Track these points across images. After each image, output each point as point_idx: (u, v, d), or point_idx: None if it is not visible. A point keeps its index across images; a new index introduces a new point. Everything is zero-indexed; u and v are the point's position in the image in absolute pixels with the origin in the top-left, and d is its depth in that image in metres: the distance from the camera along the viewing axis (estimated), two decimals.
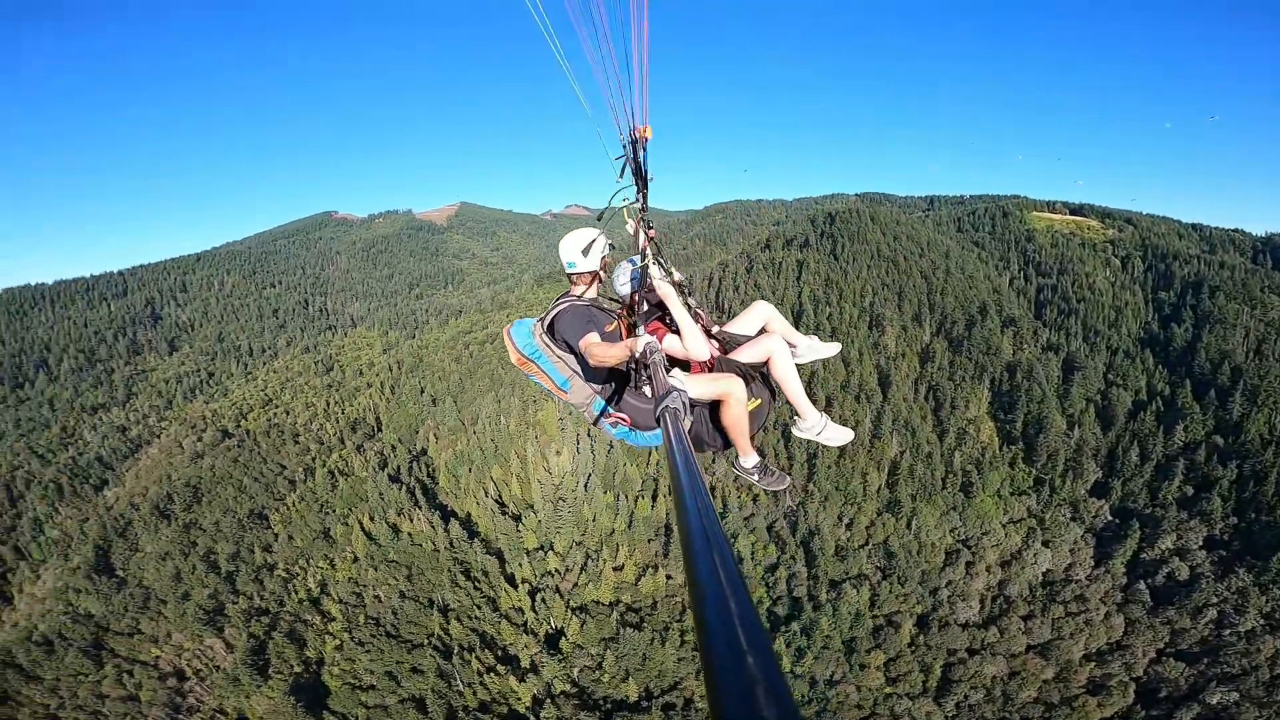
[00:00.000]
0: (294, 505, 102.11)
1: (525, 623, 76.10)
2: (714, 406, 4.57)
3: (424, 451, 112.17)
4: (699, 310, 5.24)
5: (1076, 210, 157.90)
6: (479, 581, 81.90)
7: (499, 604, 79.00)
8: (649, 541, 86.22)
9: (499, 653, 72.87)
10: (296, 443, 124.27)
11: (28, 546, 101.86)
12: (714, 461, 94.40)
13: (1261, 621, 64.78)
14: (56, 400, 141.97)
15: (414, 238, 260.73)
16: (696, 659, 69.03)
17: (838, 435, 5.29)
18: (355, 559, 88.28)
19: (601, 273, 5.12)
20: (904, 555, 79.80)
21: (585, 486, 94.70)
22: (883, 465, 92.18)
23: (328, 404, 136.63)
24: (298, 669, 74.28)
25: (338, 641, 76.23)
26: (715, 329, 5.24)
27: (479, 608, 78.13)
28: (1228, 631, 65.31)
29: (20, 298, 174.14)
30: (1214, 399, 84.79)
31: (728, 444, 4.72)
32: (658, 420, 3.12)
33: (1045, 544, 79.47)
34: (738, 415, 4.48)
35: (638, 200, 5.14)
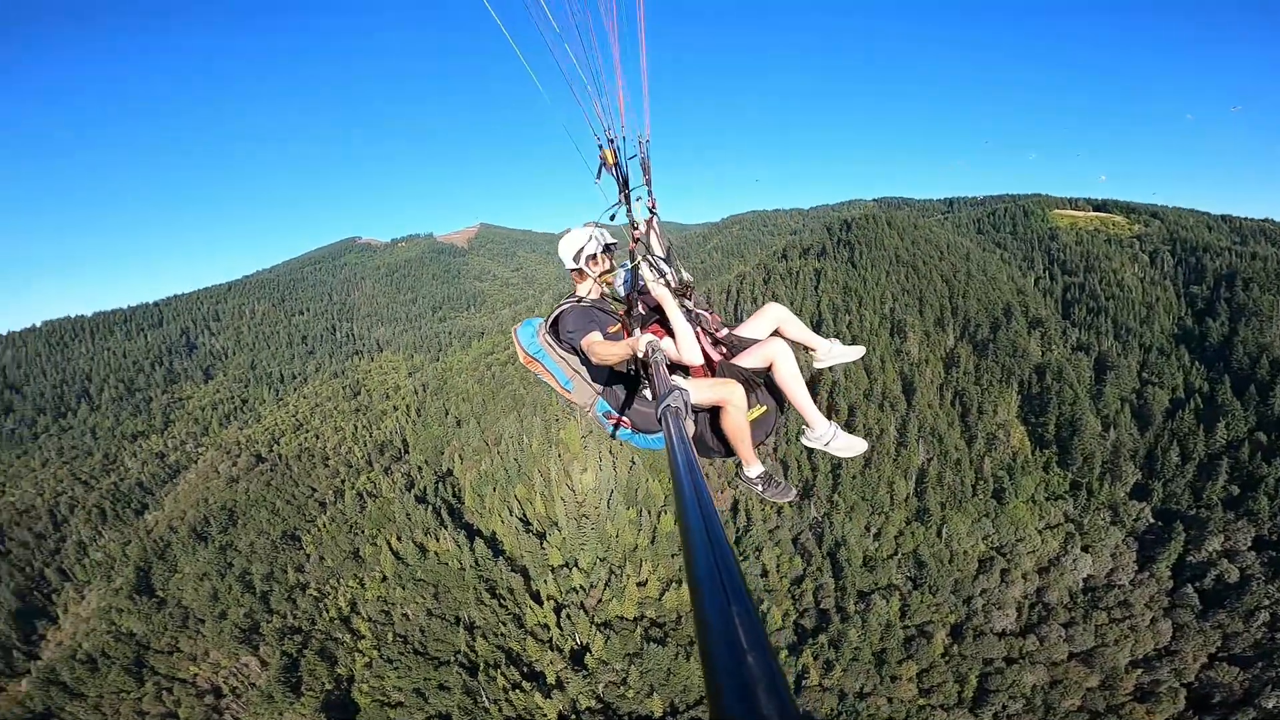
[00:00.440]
0: (325, 526, 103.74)
1: (550, 639, 75.84)
2: (715, 413, 4.46)
3: (449, 472, 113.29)
4: (706, 312, 5.14)
5: (1100, 206, 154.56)
6: (504, 599, 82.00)
7: (524, 621, 78.93)
8: (672, 556, 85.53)
9: (524, 669, 72.67)
10: (326, 466, 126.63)
11: (73, 569, 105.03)
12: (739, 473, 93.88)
13: None
14: (98, 428, 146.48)
15: (435, 261, 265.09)
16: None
17: (849, 445, 4.98)
18: (384, 578, 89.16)
19: (590, 268, 5.08)
20: (935, 564, 77.93)
21: (608, 503, 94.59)
22: (910, 473, 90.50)
23: (356, 428, 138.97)
24: (329, 686, 75.06)
25: (367, 659, 76.88)
26: (723, 332, 5.11)
27: (504, 625, 78.18)
28: None
29: (61, 330, 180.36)
30: (1255, 394, 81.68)
31: (731, 451, 4.61)
32: (659, 420, 3.02)
33: (1085, 549, 76.95)
34: (737, 423, 4.38)
35: (620, 203, 4.95)
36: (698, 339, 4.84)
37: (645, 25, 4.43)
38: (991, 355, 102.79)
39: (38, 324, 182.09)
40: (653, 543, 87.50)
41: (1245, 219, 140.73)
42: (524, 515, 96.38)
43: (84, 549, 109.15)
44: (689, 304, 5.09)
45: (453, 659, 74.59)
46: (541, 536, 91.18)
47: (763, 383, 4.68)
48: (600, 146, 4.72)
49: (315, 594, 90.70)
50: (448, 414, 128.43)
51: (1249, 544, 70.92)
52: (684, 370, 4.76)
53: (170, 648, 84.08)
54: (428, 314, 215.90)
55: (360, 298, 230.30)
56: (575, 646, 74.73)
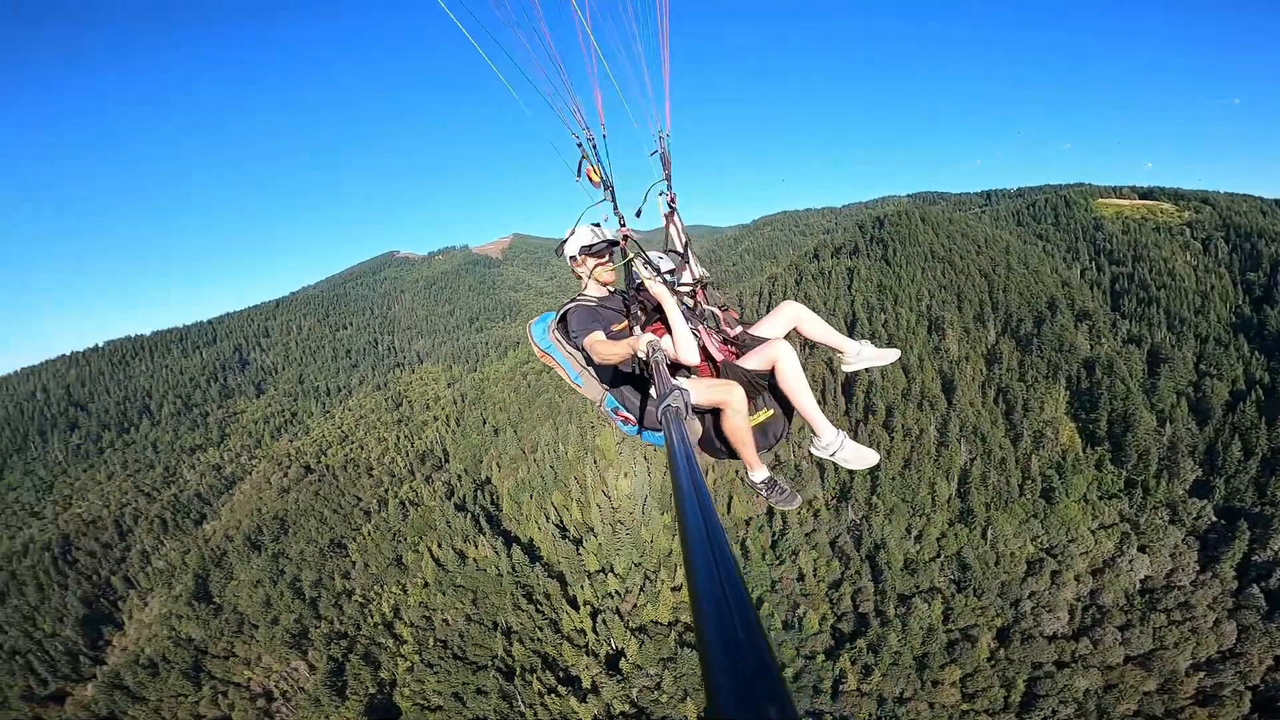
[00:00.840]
0: (369, 534, 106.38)
1: (586, 644, 76.19)
2: (718, 414, 4.34)
3: (488, 480, 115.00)
4: (721, 310, 5.06)
5: (1146, 194, 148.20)
6: (541, 604, 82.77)
7: (561, 626, 79.50)
8: None
9: (560, 674, 73.14)
10: (371, 476, 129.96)
11: (136, 577, 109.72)
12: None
13: None
14: (159, 442, 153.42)
15: (471, 272, 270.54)
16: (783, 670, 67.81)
17: (858, 456, 4.71)
18: (425, 584, 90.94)
19: (580, 265, 5.04)
20: (980, 567, 75.60)
21: (643, 508, 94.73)
22: (952, 474, 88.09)
23: (398, 438, 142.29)
24: (372, 690, 76.77)
25: (409, 663, 78.36)
26: (737, 330, 4.97)
27: (541, 630, 78.88)
28: None
29: (122, 349, 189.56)
30: None
31: (735, 453, 4.49)
32: (659, 420, 2.92)
33: (1142, 549, 73.57)
34: (736, 426, 4.27)
35: (606, 199, 4.94)
36: (707, 338, 4.77)
37: (669, 20, 4.48)
38: (1036, 350, 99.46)
39: (100, 344, 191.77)
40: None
41: None
42: (560, 522, 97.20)
43: (147, 558, 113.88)
44: (702, 301, 5.09)
45: (490, 663, 75.52)
46: (578, 542, 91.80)
47: (766, 385, 4.55)
48: (579, 145, 4.70)
49: (360, 600, 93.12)
50: (485, 423, 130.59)
51: None
52: (688, 370, 4.64)
53: (226, 652, 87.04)
54: (465, 325, 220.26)
55: (400, 311, 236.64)
56: (610, 651, 74.89)
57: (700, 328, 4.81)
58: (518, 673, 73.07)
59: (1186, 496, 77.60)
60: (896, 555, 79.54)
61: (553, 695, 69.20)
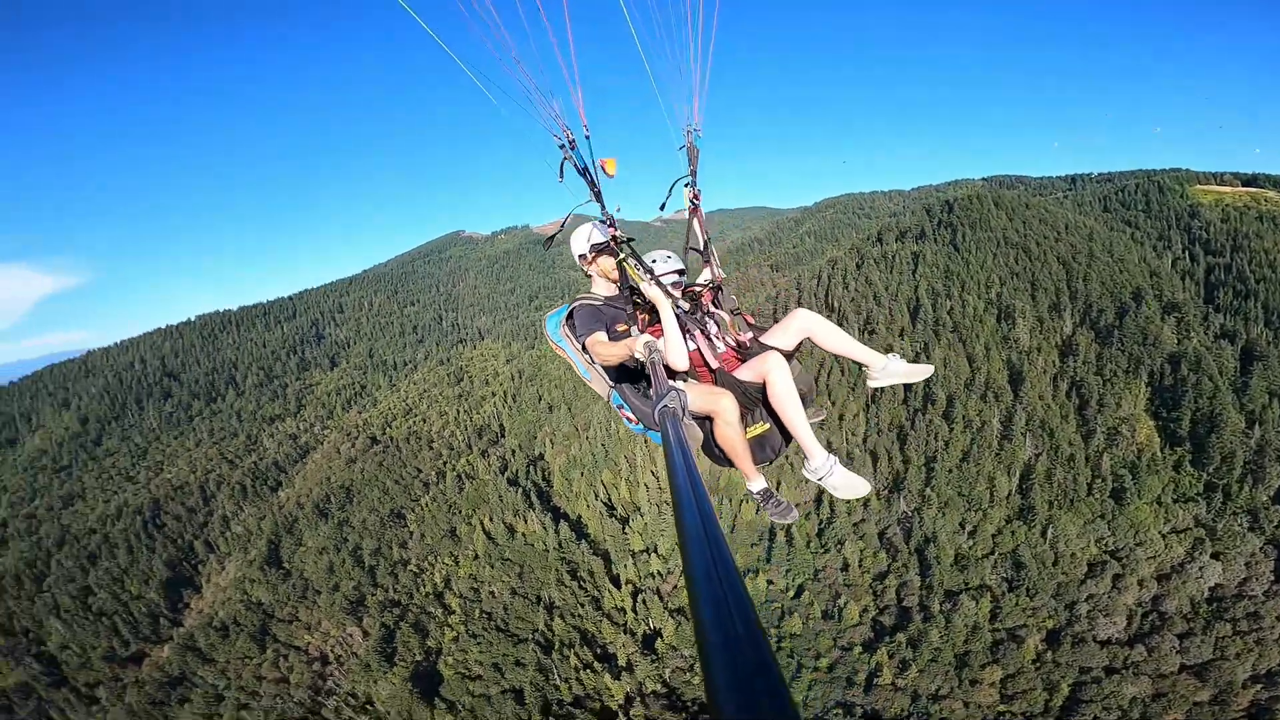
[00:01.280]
0: (427, 506, 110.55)
1: (625, 623, 77.52)
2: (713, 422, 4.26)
3: (541, 456, 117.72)
4: (731, 314, 4.98)
5: (1250, 181, 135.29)
6: (584, 581, 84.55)
7: (602, 603, 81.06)
8: (751, 546, 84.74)
9: (597, 650, 74.67)
10: (431, 448, 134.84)
11: (216, 541, 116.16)
12: None
13: None
14: (242, 412, 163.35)
15: (532, 251, 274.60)
16: (791, 664, 66.72)
17: (848, 484, 4.51)
18: (476, 556, 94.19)
19: (587, 266, 5.11)
20: (1036, 566, 72.33)
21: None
22: (1013, 469, 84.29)
23: (458, 412, 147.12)
24: (419, 657, 79.74)
25: (455, 634, 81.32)
26: (747, 336, 4.88)
27: (582, 606, 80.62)
28: None
29: (211, 323, 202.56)
30: None
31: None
32: (656, 421, 2.91)
33: (1215, 556, 68.71)
34: (726, 437, 4.18)
35: (592, 200, 4.80)
36: (703, 343, 4.70)
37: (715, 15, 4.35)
38: (1117, 343, 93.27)
39: (192, 318, 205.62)
40: (732, 531, 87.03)
41: None
42: (609, 500, 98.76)
43: (227, 523, 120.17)
44: (708, 304, 5.00)
45: (530, 637, 77.68)
46: (624, 521, 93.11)
47: (760, 399, 4.40)
48: (560, 146, 4.53)
49: (415, 570, 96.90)
50: (540, 399, 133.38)
51: None
52: (686, 375, 4.61)
53: (290, 617, 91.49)
54: (524, 303, 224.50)
55: (464, 289, 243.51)
56: (648, 631, 75.94)
57: (698, 333, 4.76)
58: (556, 647, 75.02)
59: (1270, 503, 71.75)
60: (947, 550, 77.08)
61: (588, 671, 70.85)
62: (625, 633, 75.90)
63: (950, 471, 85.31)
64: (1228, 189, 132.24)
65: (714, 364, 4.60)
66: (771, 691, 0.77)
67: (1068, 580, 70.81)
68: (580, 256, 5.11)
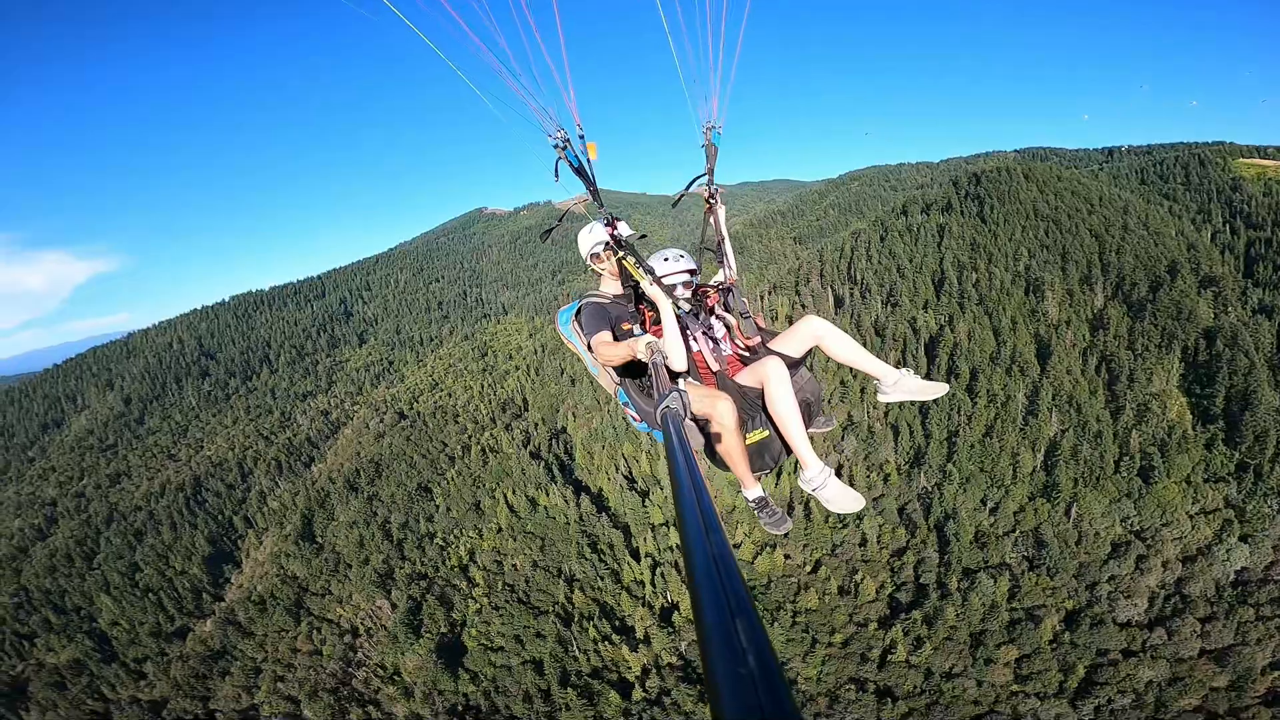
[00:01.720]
0: (453, 479, 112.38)
1: (644, 596, 78.87)
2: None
3: (563, 429, 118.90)
4: (740, 316, 4.94)
5: None
6: (604, 554, 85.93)
7: (621, 577, 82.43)
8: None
9: (616, 623, 76.11)
10: (456, 422, 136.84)
11: (255, 516, 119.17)
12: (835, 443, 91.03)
13: None
14: (276, 389, 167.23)
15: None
16: (806, 639, 67.47)
17: (841, 497, 4.48)
18: (499, 529, 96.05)
19: (596, 265, 5.18)
20: (1058, 545, 71.66)
21: (708, 465, 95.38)
22: (1038, 446, 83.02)
23: (482, 387, 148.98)
24: (444, 629, 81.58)
25: (478, 606, 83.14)
26: (755, 339, 4.86)
27: (602, 579, 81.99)
28: None
29: (246, 303, 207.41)
30: None
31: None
32: (658, 420, 2.91)
33: (1243, 539, 67.31)
34: (724, 441, 4.18)
35: (588, 198, 4.87)
36: (705, 345, 4.70)
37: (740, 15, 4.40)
38: (1149, 317, 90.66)
39: (227, 298, 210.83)
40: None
41: None
42: (629, 473, 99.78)
43: (264, 498, 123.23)
44: (716, 306, 5.01)
45: (551, 609, 79.31)
46: (644, 495, 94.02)
47: (760, 404, 4.38)
48: (554, 146, 4.54)
49: (441, 543, 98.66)
50: (563, 373, 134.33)
51: None
52: (688, 376, 4.60)
53: (323, 590, 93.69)
54: (547, 278, 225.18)
55: (488, 264, 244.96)
56: (665, 604, 77.18)
57: (700, 334, 4.77)
58: (575, 619, 76.70)
59: None
60: (967, 527, 76.69)
61: (606, 643, 72.26)
62: (643, 605, 77.28)
63: (972, 447, 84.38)
64: (1271, 162, 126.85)
65: (715, 366, 4.60)
66: (773, 691, 0.76)
67: (1090, 560, 70.06)
68: (591, 255, 5.19)
